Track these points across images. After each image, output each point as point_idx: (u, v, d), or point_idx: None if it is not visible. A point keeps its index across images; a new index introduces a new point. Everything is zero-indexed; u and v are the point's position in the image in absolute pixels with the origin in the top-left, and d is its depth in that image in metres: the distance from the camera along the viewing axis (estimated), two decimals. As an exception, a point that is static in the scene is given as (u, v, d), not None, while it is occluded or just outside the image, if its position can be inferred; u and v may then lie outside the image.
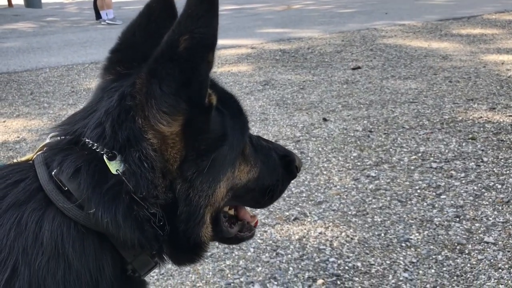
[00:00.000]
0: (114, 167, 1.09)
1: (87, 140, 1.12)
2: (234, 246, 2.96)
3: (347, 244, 2.98)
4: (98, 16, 12.68)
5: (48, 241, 1.03)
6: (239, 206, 1.49)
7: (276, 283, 2.69)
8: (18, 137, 4.92)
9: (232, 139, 1.24)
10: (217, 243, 2.69)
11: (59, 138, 1.17)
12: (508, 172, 3.70)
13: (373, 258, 2.84)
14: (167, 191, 1.14)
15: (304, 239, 3.05)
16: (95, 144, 1.11)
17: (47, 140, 1.19)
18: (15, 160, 1.24)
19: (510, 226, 3.06)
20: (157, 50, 1.08)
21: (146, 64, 1.11)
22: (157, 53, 1.07)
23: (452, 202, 3.35)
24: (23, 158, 1.22)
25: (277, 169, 1.48)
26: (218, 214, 1.30)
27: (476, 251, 2.85)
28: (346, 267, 2.78)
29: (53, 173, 1.09)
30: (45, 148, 1.17)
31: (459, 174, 3.71)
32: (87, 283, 1.06)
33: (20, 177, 1.12)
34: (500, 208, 3.26)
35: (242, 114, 1.35)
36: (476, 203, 3.32)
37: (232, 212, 1.49)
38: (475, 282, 2.62)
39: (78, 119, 1.20)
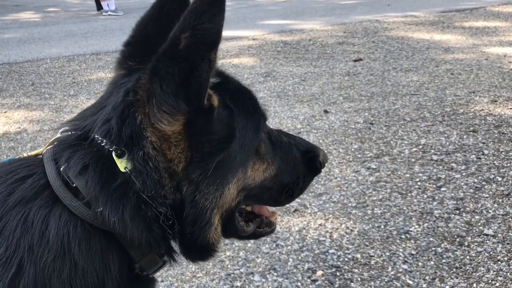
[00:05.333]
0: (123, 165, 1.07)
1: (96, 136, 1.10)
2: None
3: (347, 235, 2.99)
4: (99, 7, 12.64)
5: (54, 239, 1.02)
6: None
7: (276, 274, 2.70)
8: (19, 128, 4.93)
9: (243, 139, 1.20)
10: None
11: (69, 133, 1.16)
12: (508, 165, 3.70)
13: (372, 250, 2.85)
14: (175, 192, 1.11)
15: (304, 231, 3.06)
16: (104, 141, 1.09)
17: (58, 135, 1.17)
18: (25, 154, 1.22)
19: (510, 219, 3.06)
20: (161, 46, 1.04)
21: (151, 61, 1.07)
22: (160, 50, 1.04)
23: (452, 194, 3.35)
24: (33, 152, 1.21)
25: (298, 166, 1.43)
26: (232, 214, 1.27)
27: (476, 244, 2.86)
28: (346, 259, 2.79)
29: (61, 169, 1.08)
30: (54, 143, 1.15)
31: (459, 166, 3.71)
32: (93, 282, 1.04)
33: (28, 173, 1.10)
34: (500, 200, 3.26)
35: (257, 111, 1.30)
36: (476, 196, 3.32)
37: (249, 208, 1.45)
38: (474, 274, 2.63)
39: (88, 115, 1.18)
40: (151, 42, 1.22)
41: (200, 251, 1.21)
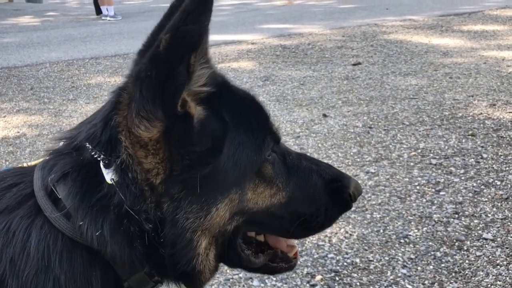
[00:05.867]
0: (110, 175, 1.02)
1: (82, 142, 1.07)
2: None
3: (346, 240, 2.99)
4: (98, 11, 12.66)
5: (34, 253, 0.98)
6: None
7: (274, 278, 2.69)
8: (18, 132, 4.93)
9: (238, 156, 1.09)
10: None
11: (64, 141, 1.13)
12: (507, 168, 3.70)
13: (371, 254, 2.85)
14: (156, 207, 1.04)
15: (303, 235, 3.05)
16: (89, 146, 1.05)
17: (60, 143, 1.15)
18: (25, 164, 1.21)
19: (509, 223, 3.06)
20: None
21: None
22: (148, 53, 1.00)
23: (451, 198, 3.35)
24: (33, 163, 1.19)
25: (319, 195, 1.26)
26: (231, 240, 1.15)
27: (475, 248, 2.85)
28: (345, 263, 2.79)
29: (48, 179, 1.04)
30: (50, 152, 1.13)
31: (458, 170, 3.71)
32: None
33: (15, 181, 1.08)
34: (499, 204, 3.26)
35: (263, 128, 1.18)
36: (475, 200, 3.32)
37: (261, 238, 1.30)
38: (473, 278, 2.62)
39: (86, 122, 1.15)
40: None
41: (184, 277, 1.10)
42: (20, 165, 1.21)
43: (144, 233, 1.02)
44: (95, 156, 1.04)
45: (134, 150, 1.02)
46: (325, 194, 1.26)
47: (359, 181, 3.61)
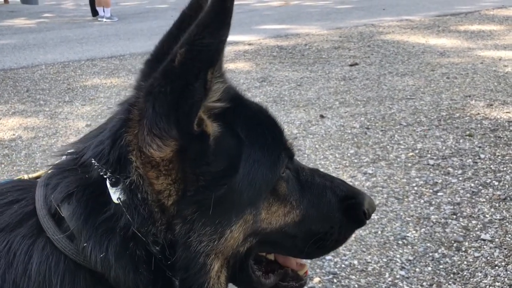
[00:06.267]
0: (117, 195, 0.97)
1: (88, 160, 1.03)
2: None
3: (344, 242, 2.97)
4: (94, 13, 12.64)
5: (36, 275, 0.95)
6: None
7: (272, 281, 2.67)
8: (13, 134, 4.90)
9: (253, 175, 1.05)
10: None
11: (68, 156, 1.09)
12: (505, 169, 3.70)
13: (369, 256, 2.83)
14: (167, 230, 0.99)
15: (300, 237, 3.04)
16: (96, 164, 1.01)
17: (63, 158, 1.10)
18: (26, 176, 1.17)
19: (507, 223, 3.05)
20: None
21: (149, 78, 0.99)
22: (160, 66, 0.95)
23: (449, 199, 3.34)
24: (34, 175, 1.15)
25: (333, 213, 1.23)
26: (242, 261, 1.12)
27: (473, 249, 2.84)
28: (343, 265, 2.77)
29: (52, 197, 1.00)
30: (53, 166, 1.09)
31: (456, 171, 3.70)
32: None
33: (16, 197, 1.04)
34: (497, 205, 3.25)
35: (277, 144, 1.14)
36: (473, 200, 3.31)
37: (271, 257, 1.28)
38: (471, 279, 2.61)
39: (91, 136, 1.09)
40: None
41: None
42: (19, 177, 1.17)
43: (151, 257, 0.99)
44: (101, 174, 1.00)
45: (145, 171, 0.98)
46: (339, 212, 1.24)
47: (357, 183, 3.60)
